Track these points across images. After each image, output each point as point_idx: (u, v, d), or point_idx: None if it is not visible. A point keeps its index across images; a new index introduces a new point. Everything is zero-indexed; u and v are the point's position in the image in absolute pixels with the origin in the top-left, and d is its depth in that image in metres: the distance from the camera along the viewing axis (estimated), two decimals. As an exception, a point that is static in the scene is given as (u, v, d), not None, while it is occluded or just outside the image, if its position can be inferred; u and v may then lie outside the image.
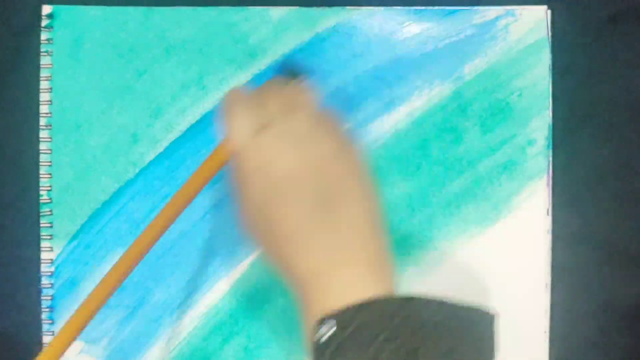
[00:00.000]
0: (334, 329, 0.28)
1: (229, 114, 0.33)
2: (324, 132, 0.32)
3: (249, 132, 0.32)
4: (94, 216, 0.42)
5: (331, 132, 0.33)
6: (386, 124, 0.42)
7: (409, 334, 0.28)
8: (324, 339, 0.28)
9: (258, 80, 0.42)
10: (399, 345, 0.28)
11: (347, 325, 0.28)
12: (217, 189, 0.42)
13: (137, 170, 0.42)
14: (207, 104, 0.42)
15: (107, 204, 0.42)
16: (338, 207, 0.31)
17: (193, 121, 0.42)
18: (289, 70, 0.41)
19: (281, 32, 0.42)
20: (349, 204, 0.31)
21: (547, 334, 0.42)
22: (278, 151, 0.31)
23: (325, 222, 0.30)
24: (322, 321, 0.28)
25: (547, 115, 0.42)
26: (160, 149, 0.42)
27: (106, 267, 0.41)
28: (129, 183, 0.42)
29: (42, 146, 0.42)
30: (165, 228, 0.34)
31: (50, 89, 0.42)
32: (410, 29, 0.42)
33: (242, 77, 0.42)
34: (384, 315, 0.28)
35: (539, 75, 0.42)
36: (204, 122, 0.42)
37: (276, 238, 0.31)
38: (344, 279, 0.30)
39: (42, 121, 0.42)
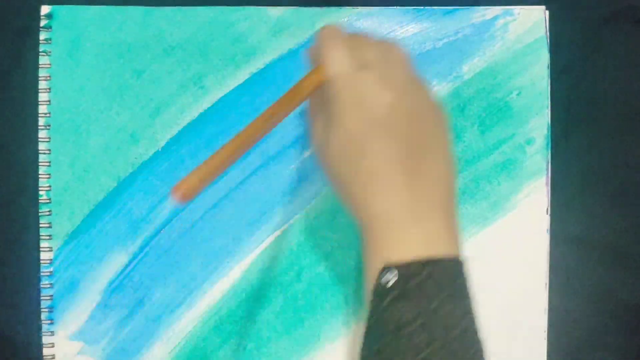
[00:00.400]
0: (397, 278, 0.29)
1: (329, 45, 0.32)
2: (419, 87, 0.33)
3: (350, 65, 0.32)
4: (93, 216, 0.42)
5: (425, 90, 0.33)
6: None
7: (467, 295, 0.30)
8: (389, 284, 0.29)
9: (257, 80, 0.42)
10: (458, 303, 0.29)
11: (412, 276, 0.29)
12: (215, 190, 0.42)
13: (135, 170, 0.42)
14: (206, 103, 0.42)
15: (106, 204, 0.42)
16: (425, 159, 0.31)
17: (191, 119, 0.42)
18: None
19: (280, 31, 0.42)
20: (435, 159, 0.31)
21: (546, 333, 0.42)
22: (378, 90, 0.31)
23: (412, 170, 0.30)
24: (389, 268, 0.29)
25: (545, 115, 0.42)
26: (158, 148, 0.42)
27: (105, 267, 0.42)
28: (128, 183, 0.42)
29: (41, 146, 0.42)
30: (252, 141, 0.33)
31: (49, 89, 0.42)
32: (408, 28, 0.42)
33: (241, 76, 0.42)
34: (449, 274, 0.29)
35: (537, 75, 0.42)
36: (203, 121, 0.42)
37: (361, 173, 0.31)
38: (420, 232, 0.30)
39: (41, 121, 0.42)
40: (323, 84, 0.32)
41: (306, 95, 0.33)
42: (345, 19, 0.42)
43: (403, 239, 0.30)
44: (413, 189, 0.30)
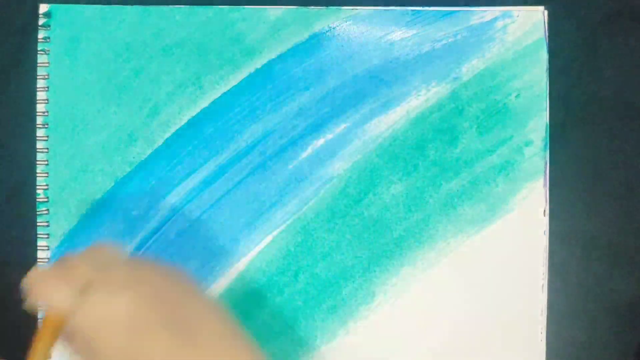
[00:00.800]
0: None
1: (43, 286, 0.31)
2: (147, 273, 0.32)
3: (72, 296, 0.30)
4: (90, 215, 0.42)
5: (149, 276, 0.32)
6: (383, 124, 0.42)
7: None
8: None
9: (255, 80, 0.42)
10: None
11: None
12: (212, 190, 0.42)
13: (133, 170, 0.42)
14: (204, 103, 0.42)
15: (103, 203, 0.42)
16: (200, 328, 0.30)
17: (189, 119, 0.42)
18: None
19: (278, 31, 0.42)
20: (210, 323, 0.31)
21: (544, 334, 0.42)
22: (111, 300, 0.29)
23: (187, 346, 0.29)
24: None
25: (544, 117, 0.42)
26: (156, 148, 0.42)
27: (102, 266, 0.41)
28: (125, 182, 0.42)
29: (39, 145, 0.42)
30: None
31: (47, 87, 0.42)
32: (407, 29, 0.42)
33: (239, 76, 0.42)
34: None
35: (536, 77, 0.42)
36: (201, 120, 0.42)
37: None
38: None
39: (39, 120, 0.42)
40: (60, 329, 0.31)
41: (47, 345, 0.31)
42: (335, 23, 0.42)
43: None
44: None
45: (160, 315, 0.30)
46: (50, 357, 0.31)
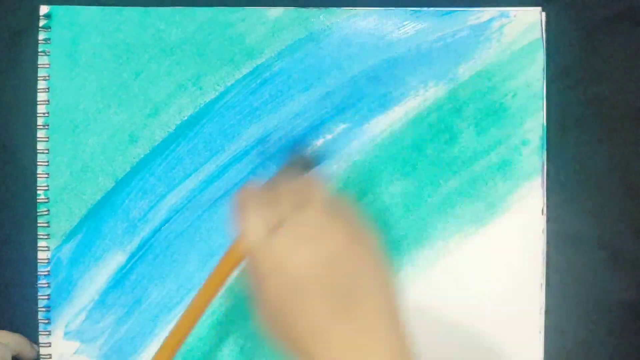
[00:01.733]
0: None
1: (243, 213, 0.32)
2: (336, 224, 0.32)
3: (263, 231, 0.31)
4: (91, 216, 0.42)
5: (344, 223, 0.32)
6: (381, 124, 0.43)
7: None
8: None
9: (255, 80, 0.42)
10: None
11: None
12: (212, 190, 0.42)
13: (133, 170, 0.42)
14: (203, 104, 0.42)
15: (103, 204, 0.42)
16: (357, 300, 0.31)
17: (189, 119, 0.42)
18: (299, 162, 0.41)
19: (277, 32, 0.43)
20: (368, 296, 0.31)
21: (542, 334, 0.42)
22: (292, 249, 0.31)
23: (345, 316, 0.30)
24: None
25: (541, 116, 0.43)
26: (156, 148, 0.42)
27: (102, 266, 0.42)
28: (126, 183, 0.42)
29: (40, 146, 0.42)
30: (187, 332, 0.34)
31: (48, 89, 0.42)
32: (405, 29, 0.43)
33: (239, 76, 0.42)
34: None
35: (533, 77, 0.43)
36: (200, 120, 0.42)
37: (297, 335, 0.31)
38: None
39: (40, 121, 0.42)
40: (244, 257, 0.33)
41: (231, 270, 0.33)
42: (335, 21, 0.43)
43: None
44: (351, 332, 0.30)
45: (327, 280, 0.31)
46: (223, 285, 0.34)
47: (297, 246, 0.31)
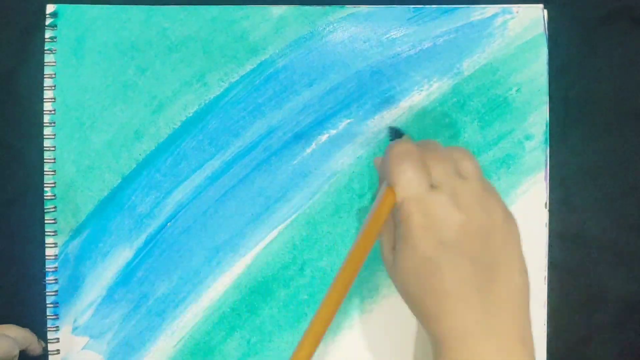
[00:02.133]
0: None
1: (400, 165, 0.33)
2: (490, 201, 0.33)
3: (421, 187, 0.32)
4: (98, 212, 0.42)
5: (495, 203, 0.34)
6: (386, 120, 0.43)
7: None
8: None
9: (259, 76, 0.43)
10: None
11: None
12: (217, 186, 0.42)
13: (139, 167, 0.42)
14: (208, 100, 0.43)
15: (110, 200, 0.42)
16: (498, 273, 0.32)
17: (194, 115, 0.43)
18: (395, 132, 0.42)
19: (281, 29, 0.43)
20: (508, 272, 0.32)
21: (545, 328, 0.42)
22: (449, 212, 0.32)
23: (485, 286, 0.31)
24: None
25: (544, 111, 0.43)
26: (162, 144, 0.43)
27: (110, 262, 0.42)
28: (132, 179, 0.42)
29: (46, 143, 0.42)
30: (348, 284, 0.33)
31: (54, 86, 0.42)
32: (408, 26, 0.43)
33: (243, 73, 0.43)
34: None
35: (536, 72, 0.43)
36: (206, 116, 0.43)
37: (434, 292, 0.31)
38: (495, 346, 0.31)
39: (46, 118, 0.42)
40: (395, 205, 0.33)
41: (384, 220, 0.33)
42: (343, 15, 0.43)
43: (478, 353, 0.31)
44: (487, 305, 0.31)
45: (475, 248, 0.32)
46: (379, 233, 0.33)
47: (454, 210, 0.32)
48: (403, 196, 0.32)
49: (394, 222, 0.34)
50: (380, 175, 0.37)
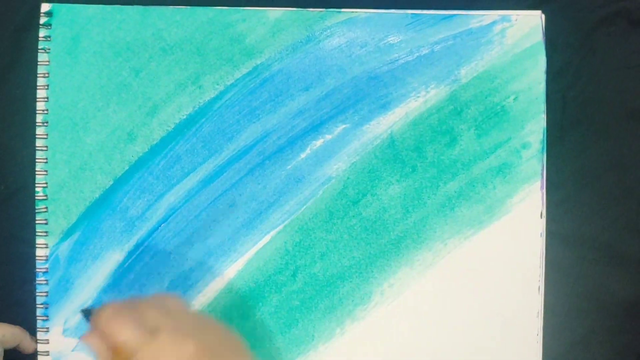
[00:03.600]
0: None
1: (118, 323, 0.33)
2: (208, 322, 0.35)
3: (144, 336, 0.32)
4: (89, 213, 0.42)
5: (213, 322, 0.36)
6: (382, 126, 0.42)
7: None
8: None
9: (253, 79, 0.42)
10: None
11: None
12: (210, 190, 0.42)
13: (131, 168, 0.42)
14: (203, 103, 0.42)
15: (102, 202, 0.42)
16: None
17: (188, 118, 0.42)
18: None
19: (277, 32, 0.42)
20: None
21: (540, 335, 0.42)
22: (179, 345, 0.32)
23: None
24: None
25: (541, 119, 0.43)
26: (154, 146, 0.42)
27: (100, 264, 0.42)
28: (124, 181, 0.42)
29: (39, 143, 0.42)
30: None
31: (47, 86, 0.42)
32: (406, 32, 0.43)
33: (238, 76, 0.42)
34: None
35: (534, 80, 0.43)
36: (199, 119, 0.42)
37: None
38: None
39: (39, 118, 0.42)
40: None
41: None
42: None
43: None
44: None
45: None
46: None
47: (182, 342, 0.32)
48: (132, 351, 0.32)
49: None
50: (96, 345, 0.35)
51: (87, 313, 0.36)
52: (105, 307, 0.34)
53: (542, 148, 0.43)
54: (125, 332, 0.32)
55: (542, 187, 0.42)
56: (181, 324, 0.33)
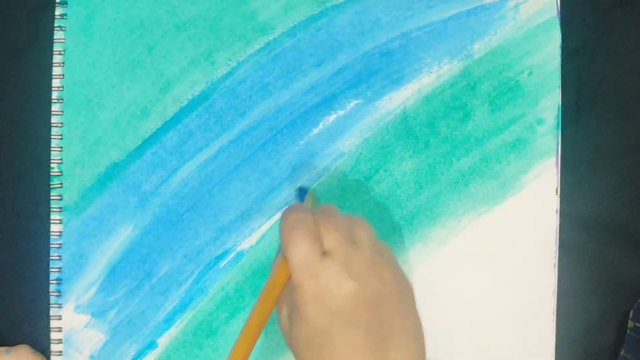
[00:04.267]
0: None
1: (291, 236, 0.33)
2: (382, 267, 0.33)
3: (311, 255, 0.32)
4: (103, 189, 0.42)
5: (388, 268, 0.33)
6: (395, 101, 0.42)
7: None
8: None
9: (266, 55, 0.42)
10: None
11: None
12: (223, 165, 0.42)
13: (145, 144, 0.42)
14: (215, 79, 0.42)
15: (115, 178, 0.42)
16: (392, 345, 0.31)
17: (201, 94, 0.42)
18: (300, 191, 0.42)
19: (290, 9, 0.42)
20: (402, 344, 0.32)
21: (554, 314, 0.41)
22: (340, 280, 0.31)
23: (378, 358, 0.31)
24: None
25: (556, 95, 0.42)
26: (168, 122, 0.42)
27: (113, 239, 0.42)
28: (137, 156, 0.42)
29: (54, 119, 0.42)
30: (246, 355, 0.32)
31: (63, 63, 0.42)
32: (419, 7, 0.42)
33: (251, 52, 0.42)
34: None
35: (549, 55, 0.42)
36: (212, 95, 0.42)
37: None
38: None
39: (54, 95, 0.42)
40: (289, 279, 0.33)
41: (279, 293, 0.33)
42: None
43: None
44: None
45: (368, 316, 0.31)
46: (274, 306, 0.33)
47: (343, 279, 0.31)
48: (294, 265, 0.32)
49: (289, 289, 0.33)
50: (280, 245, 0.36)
51: (303, 192, 0.38)
52: (290, 211, 0.34)
53: (557, 124, 0.42)
54: (295, 249, 0.32)
55: (557, 164, 0.42)
56: (357, 255, 0.32)
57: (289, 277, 0.33)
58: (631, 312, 0.41)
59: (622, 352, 0.41)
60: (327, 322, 0.31)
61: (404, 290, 0.34)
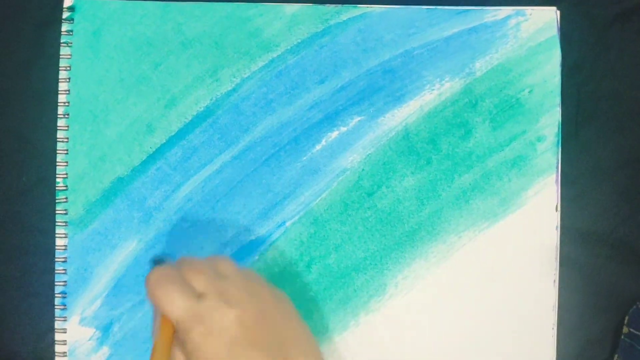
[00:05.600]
0: None
1: (163, 293, 0.33)
2: (255, 288, 0.35)
3: (190, 304, 0.33)
4: (108, 204, 0.43)
5: (261, 286, 0.36)
6: (397, 118, 0.43)
7: None
8: None
9: (270, 72, 0.43)
10: None
11: None
12: (226, 181, 0.43)
13: (150, 160, 0.43)
14: (220, 95, 0.43)
15: (120, 193, 0.43)
16: (292, 355, 0.33)
17: (205, 110, 0.43)
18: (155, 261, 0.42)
19: (294, 27, 0.43)
20: (300, 351, 0.34)
21: (555, 330, 0.42)
22: (221, 313, 0.32)
23: None
24: None
25: (557, 112, 0.43)
26: (172, 138, 0.43)
27: (118, 254, 0.42)
28: (142, 172, 0.43)
29: (60, 134, 0.43)
30: None
31: (69, 79, 0.43)
32: (421, 26, 0.43)
33: (255, 69, 0.43)
34: None
35: (549, 73, 0.43)
36: (216, 111, 0.43)
37: None
38: None
39: (60, 110, 0.43)
40: (174, 332, 0.33)
41: (169, 350, 0.33)
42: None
43: None
44: None
45: (261, 334, 0.33)
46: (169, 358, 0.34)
47: (226, 308, 0.32)
48: (177, 317, 0.33)
49: (178, 343, 0.34)
50: (153, 308, 0.36)
51: (155, 262, 0.38)
52: (153, 271, 0.34)
53: (557, 141, 0.43)
54: (171, 300, 0.33)
55: (557, 181, 0.42)
56: (228, 288, 0.33)
57: (174, 331, 0.33)
58: (626, 318, 0.42)
59: (616, 357, 0.41)
60: (225, 353, 0.32)
61: (282, 300, 0.36)
